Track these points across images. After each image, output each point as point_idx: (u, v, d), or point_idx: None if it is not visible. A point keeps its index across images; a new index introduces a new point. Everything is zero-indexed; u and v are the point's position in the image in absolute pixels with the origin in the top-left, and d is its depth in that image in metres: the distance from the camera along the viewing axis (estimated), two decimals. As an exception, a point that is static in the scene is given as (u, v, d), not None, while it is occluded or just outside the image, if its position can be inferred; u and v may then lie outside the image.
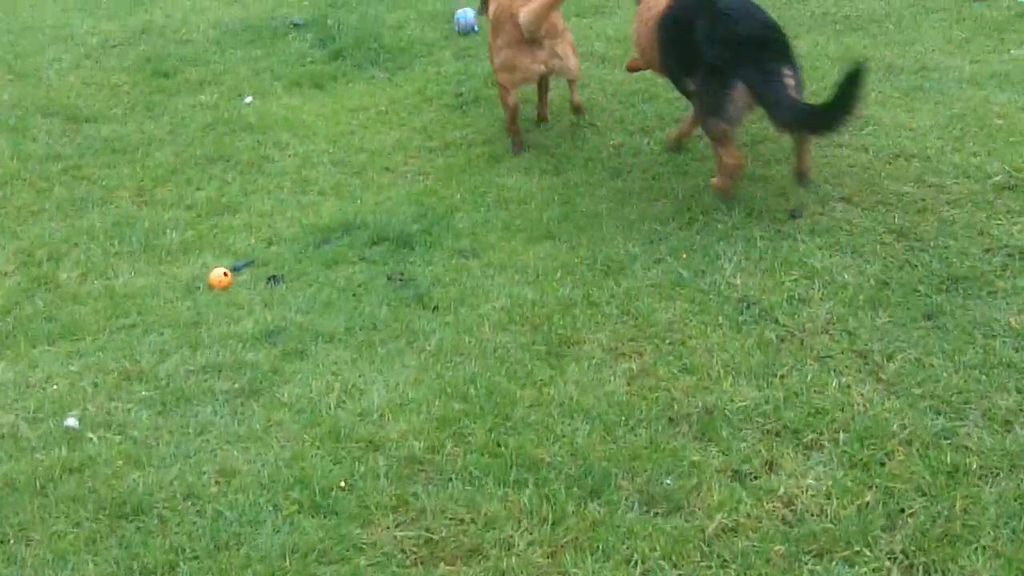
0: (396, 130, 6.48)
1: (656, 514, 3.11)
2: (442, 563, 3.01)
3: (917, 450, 3.24)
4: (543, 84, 6.11)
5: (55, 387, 4.07)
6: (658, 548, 2.97)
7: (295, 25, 8.35)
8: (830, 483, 3.14)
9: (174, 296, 4.72)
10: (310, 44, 7.99)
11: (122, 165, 6.23)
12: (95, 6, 9.72)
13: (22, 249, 5.27)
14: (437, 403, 3.70)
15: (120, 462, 3.54)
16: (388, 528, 3.15)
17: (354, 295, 4.60)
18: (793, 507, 3.08)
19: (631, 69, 6.14)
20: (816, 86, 5.94)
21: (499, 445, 3.45)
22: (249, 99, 7.10)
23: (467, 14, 7.92)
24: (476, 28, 7.81)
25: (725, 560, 2.93)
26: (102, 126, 6.81)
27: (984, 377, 3.53)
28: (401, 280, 4.68)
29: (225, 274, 4.82)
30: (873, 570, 2.86)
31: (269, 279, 4.80)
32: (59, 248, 5.25)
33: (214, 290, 4.74)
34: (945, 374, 3.56)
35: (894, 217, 4.64)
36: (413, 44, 7.79)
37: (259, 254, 5.08)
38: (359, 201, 5.56)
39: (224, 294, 4.70)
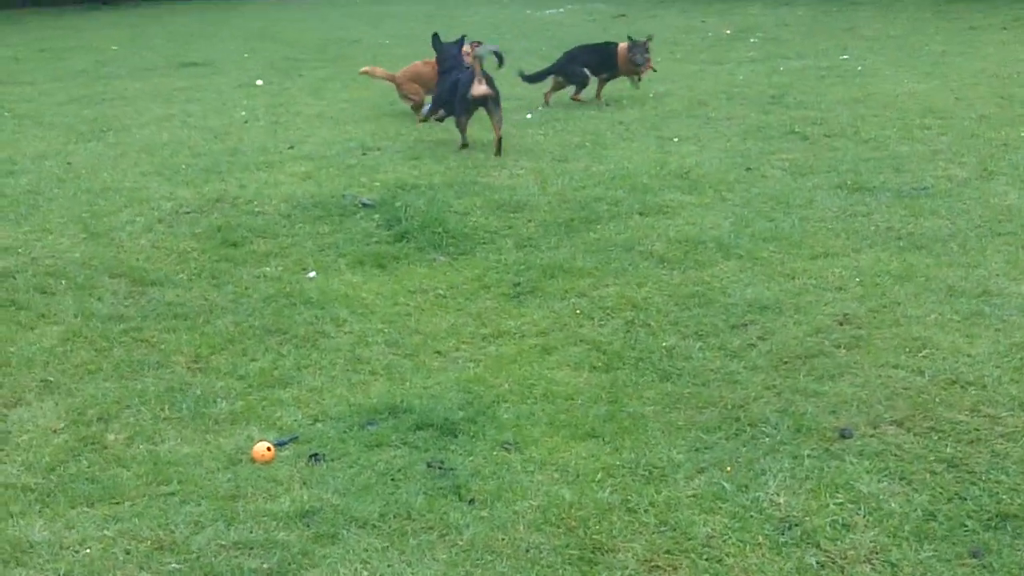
0: (452, 315, 6.56)
1: None
2: None
3: None
4: None
5: (88, 551, 4.06)
6: None
7: (364, 205, 8.57)
8: None
9: (216, 467, 4.74)
10: (377, 224, 8.18)
11: (182, 331, 6.34)
12: (173, 172, 10.06)
13: (74, 407, 5.35)
14: (464, 602, 3.64)
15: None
16: None
17: (392, 480, 4.58)
18: None
19: None
20: (875, 303, 5.96)
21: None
22: (313, 274, 7.25)
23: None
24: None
25: None
26: (167, 290, 6.97)
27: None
28: (441, 468, 4.67)
29: (268, 448, 4.84)
30: None
31: (311, 457, 4.81)
32: (110, 409, 5.31)
33: (256, 463, 4.75)
34: (989, 617, 3.46)
35: (946, 446, 4.57)
36: (477, 231, 7.95)
37: (304, 430, 5.10)
38: (408, 384, 5.59)
39: (265, 469, 4.70)
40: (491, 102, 10.13)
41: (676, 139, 10.69)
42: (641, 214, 8.15)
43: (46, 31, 19.64)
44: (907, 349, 5.05)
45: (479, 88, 10.02)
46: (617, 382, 5.46)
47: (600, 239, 7.67)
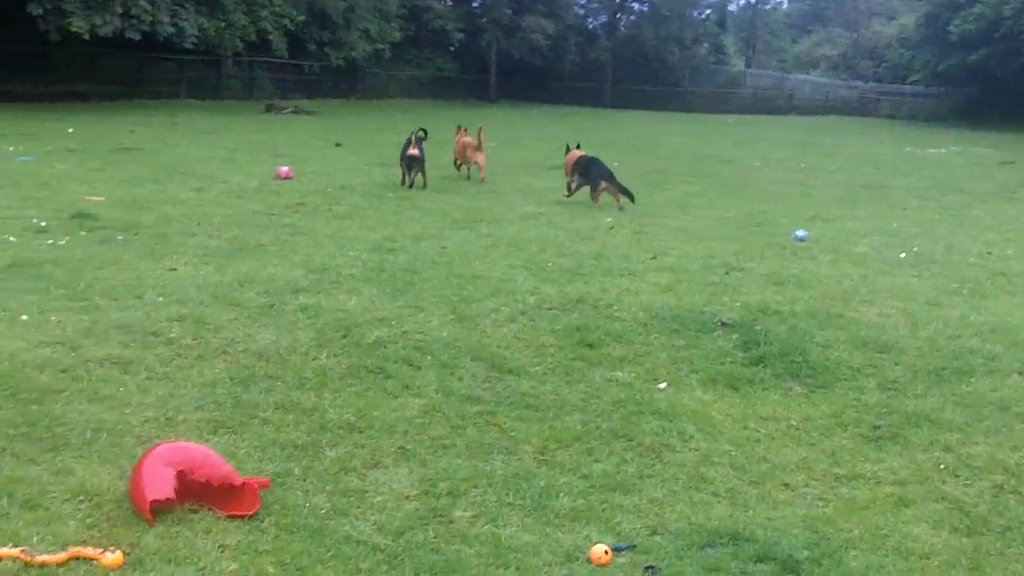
0: (804, 448, 6.36)
1: None
2: None
3: None
4: None
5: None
6: None
7: (723, 324, 8.51)
8: None
9: (553, 560, 4.78)
10: (733, 345, 8.09)
11: (532, 421, 6.48)
12: (539, 268, 10.40)
13: (427, 478, 5.55)
14: None
15: None
16: None
17: (729, 610, 4.46)
18: None
19: None
20: None
21: None
22: (663, 385, 7.25)
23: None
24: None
25: None
26: (522, 380, 7.17)
27: None
28: (781, 607, 4.50)
29: (606, 552, 4.83)
30: None
31: (647, 568, 4.76)
32: (460, 486, 5.48)
33: (592, 564, 4.75)
34: None
35: None
36: (838, 365, 7.70)
37: (642, 540, 5.06)
38: (751, 512, 5.45)
39: (600, 571, 4.69)
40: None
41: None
42: (1021, 373, 7.65)
43: (430, 122, 20.92)
44: None
45: None
46: (980, 548, 5.09)
47: (972, 393, 7.25)
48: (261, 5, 39.15)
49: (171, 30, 34.62)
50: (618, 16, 63.71)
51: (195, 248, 10.70)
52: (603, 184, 15.49)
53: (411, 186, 16.65)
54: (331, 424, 6.17)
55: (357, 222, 13.12)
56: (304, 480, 5.40)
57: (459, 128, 18.59)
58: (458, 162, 18.94)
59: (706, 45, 66.53)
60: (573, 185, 16.11)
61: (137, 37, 33.83)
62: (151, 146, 21.67)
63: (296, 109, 37.55)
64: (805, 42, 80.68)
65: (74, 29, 31.75)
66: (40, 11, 31.27)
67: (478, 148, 18.07)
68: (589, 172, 15.80)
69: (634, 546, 4.99)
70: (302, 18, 42.00)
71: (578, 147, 16.93)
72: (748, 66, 71.15)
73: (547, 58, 57.56)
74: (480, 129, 18.17)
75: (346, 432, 6.08)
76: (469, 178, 17.93)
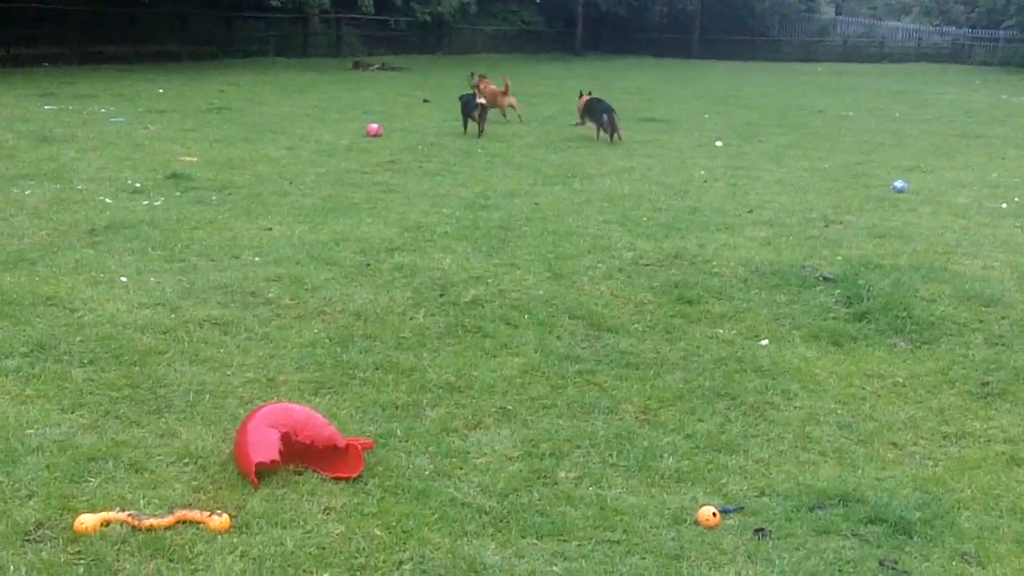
0: (911, 406, 6.20)
1: None
2: None
3: None
4: None
5: (535, 585, 4.15)
6: None
7: (825, 279, 8.32)
8: None
9: (661, 522, 4.70)
10: (836, 300, 7.92)
11: (632, 380, 6.40)
12: (634, 224, 10.28)
13: (528, 439, 5.51)
14: None
15: None
16: None
17: (840, 571, 4.36)
18: None
19: None
20: None
21: None
22: (765, 342, 7.11)
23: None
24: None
25: None
26: (621, 338, 7.08)
27: None
28: (894, 569, 4.39)
29: (714, 514, 4.74)
30: None
31: (756, 531, 4.67)
32: (562, 447, 5.43)
33: (700, 527, 4.67)
34: None
35: None
36: (944, 320, 7.51)
37: (750, 502, 4.97)
38: (860, 472, 5.33)
39: (710, 534, 4.61)
40: None
41: None
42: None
43: (517, 76, 20.84)
44: None
45: None
46: (1104, 509, 4.92)
47: (1087, 348, 7.02)
48: (348, -39, 39.22)
49: (259, -12, 34.86)
50: (706, -36, 62.63)
51: (289, 207, 10.75)
52: (604, 118, 17.38)
53: (481, 134, 17.61)
54: (431, 384, 6.15)
55: (449, 179, 13.09)
56: (406, 441, 5.38)
57: (481, 76, 20.22)
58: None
59: (796, -9, 65.17)
60: (585, 125, 18.26)
61: (226, -4, 34.14)
62: (240, 105, 21.84)
63: (383, 66, 37.58)
64: (897, -13, 78.67)
65: (164, -11, 32.11)
66: (132, -29, 31.66)
67: (505, 93, 20.05)
68: (595, 110, 17.71)
69: (742, 508, 4.90)
70: (390, -27, 41.98)
71: (590, 93, 18.49)
72: (838, 13, 69.52)
73: (634, 8, 56.86)
74: (506, 78, 20.53)
75: (446, 392, 6.06)
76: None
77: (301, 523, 4.50)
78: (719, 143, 17.50)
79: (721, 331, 7.32)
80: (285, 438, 4.89)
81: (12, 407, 5.46)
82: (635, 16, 57.68)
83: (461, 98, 18.51)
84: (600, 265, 8.62)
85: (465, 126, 17.99)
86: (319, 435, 4.99)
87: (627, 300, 7.83)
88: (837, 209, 11.34)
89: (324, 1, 39.31)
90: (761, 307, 7.80)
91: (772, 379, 6.52)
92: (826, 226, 10.36)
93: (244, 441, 4.86)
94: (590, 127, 17.93)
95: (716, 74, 42.07)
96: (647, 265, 8.69)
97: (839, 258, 8.99)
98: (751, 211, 11.06)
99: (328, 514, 4.59)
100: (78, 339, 6.45)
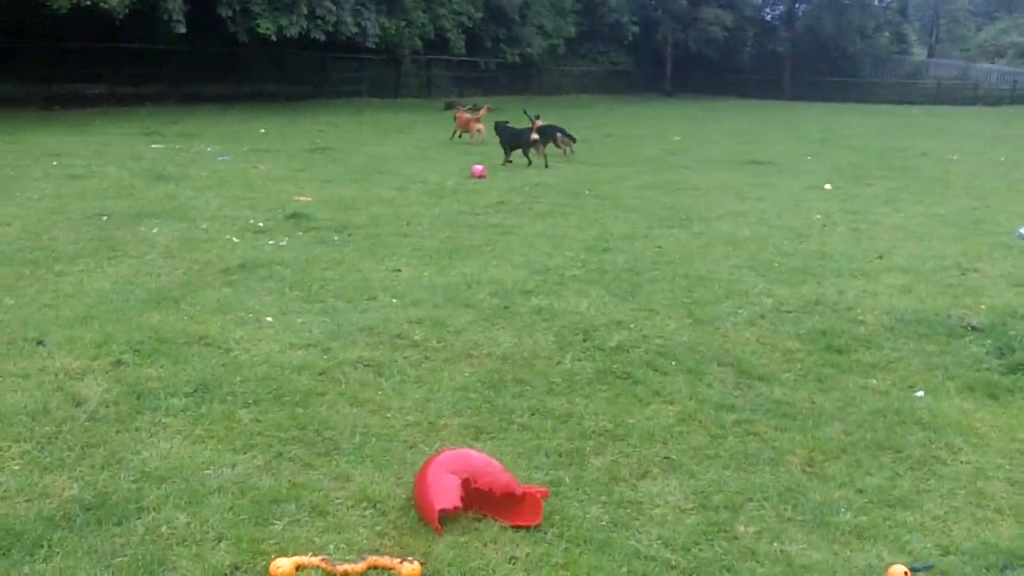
0: (1081, 463, 6.01)
1: None
2: None
3: None
4: None
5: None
6: None
7: (973, 328, 8.13)
8: None
9: (851, 582, 4.58)
10: (987, 351, 7.72)
11: (792, 431, 6.27)
12: (767, 268, 10.16)
13: (698, 490, 5.40)
14: None
15: None
16: None
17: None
18: None
19: None
20: None
21: None
22: (920, 393, 6.94)
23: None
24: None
25: None
26: (774, 387, 6.96)
27: None
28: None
29: (905, 574, 4.61)
30: None
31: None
32: (734, 499, 5.31)
33: (892, 588, 4.54)
34: None
35: None
36: (1106, 376, 7.28)
37: (936, 560, 4.82)
38: (1044, 531, 5.15)
39: (905, 595, 4.48)
40: None
41: None
42: None
43: (610, 117, 20.84)
44: None
45: None
46: None
47: None
48: (440, 3, 39.68)
49: (354, 30, 35.37)
50: (796, 6, 62.38)
51: (412, 249, 10.79)
52: (558, 135, 20.81)
53: (529, 164, 19.40)
54: (589, 431, 6.08)
55: (561, 220, 13.08)
56: (576, 490, 5.31)
57: (458, 106, 25.39)
58: (459, 132, 24.63)
59: (887, 34, 64.64)
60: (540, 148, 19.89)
61: (322, 38, 34.67)
62: (343, 145, 22.11)
63: (474, 106, 37.82)
64: (990, 29, 77.58)
65: (262, 31, 32.70)
66: (229, 13, 32.26)
67: (477, 120, 24.16)
68: (544, 132, 19.94)
69: (931, 566, 4.76)
70: (480, 15, 42.37)
71: (537, 117, 20.23)
72: (930, 55, 68.81)
73: (724, 50, 56.88)
74: (485, 106, 25.67)
75: (607, 440, 5.98)
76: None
77: (489, 571, 4.45)
78: (828, 186, 17.32)
79: (874, 381, 7.16)
80: (465, 484, 4.85)
81: (186, 447, 5.49)
82: (725, 57, 57.70)
83: (501, 128, 20.05)
84: (741, 311, 8.51)
85: (507, 156, 19.61)
86: (497, 481, 4.94)
87: (774, 347, 7.70)
88: (967, 256, 11.12)
89: (417, 43, 39.77)
90: (912, 357, 7.63)
91: (934, 432, 6.35)
92: (962, 274, 10.15)
93: (425, 486, 4.83)
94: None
95: (809, 115, 41.77)
96: (789, 312, 8.55)
97: (983, 307, 8.79)
98: (880, 257, 10.89)
99: (514, 563, 4.53)
100: (238, 379, 6.48)
